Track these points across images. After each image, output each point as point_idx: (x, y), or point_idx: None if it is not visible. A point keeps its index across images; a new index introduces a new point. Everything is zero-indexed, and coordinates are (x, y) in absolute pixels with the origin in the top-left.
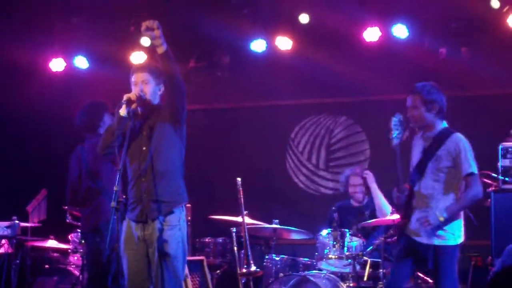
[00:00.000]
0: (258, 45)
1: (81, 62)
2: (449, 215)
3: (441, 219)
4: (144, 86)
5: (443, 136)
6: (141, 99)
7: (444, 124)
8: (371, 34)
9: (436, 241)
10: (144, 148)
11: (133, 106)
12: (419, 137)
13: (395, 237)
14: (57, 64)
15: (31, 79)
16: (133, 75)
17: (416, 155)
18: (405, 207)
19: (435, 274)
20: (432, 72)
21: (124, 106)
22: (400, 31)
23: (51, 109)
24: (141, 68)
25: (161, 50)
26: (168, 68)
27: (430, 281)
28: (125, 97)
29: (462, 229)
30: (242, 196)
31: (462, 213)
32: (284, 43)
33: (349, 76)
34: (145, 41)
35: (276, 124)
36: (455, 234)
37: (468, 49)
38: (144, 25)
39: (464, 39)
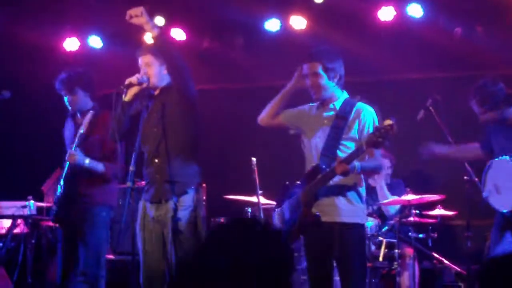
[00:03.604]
0: (272, 25)
1: (95, 42)
2: (361, 169)
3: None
4: (148, 69)
5: (348, 106)
6: (142, 83)
7: (345, 94)
8: (386, 13)
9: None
10: (155, 130)
11: (134, 90)
12: (315, 107)
13: (410, 217)
14: (71, 44)
15: (45, 59)
16: (138, 58)
17: (318, 130)
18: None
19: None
20: (447, 52)
21: (126, 91)
22: (415, 10)
23: None
24: (144, 50)
25: (153, 34)
26: (163, 52)
27: (446, 261)
28: (126, 81)
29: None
30: (257, 176)
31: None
32: (299, 22)
33: (364, 56)
34: (159, 20)
35: (290, 103)
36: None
37: (483, 28)
38: (128, 14)
39: (480, 18)
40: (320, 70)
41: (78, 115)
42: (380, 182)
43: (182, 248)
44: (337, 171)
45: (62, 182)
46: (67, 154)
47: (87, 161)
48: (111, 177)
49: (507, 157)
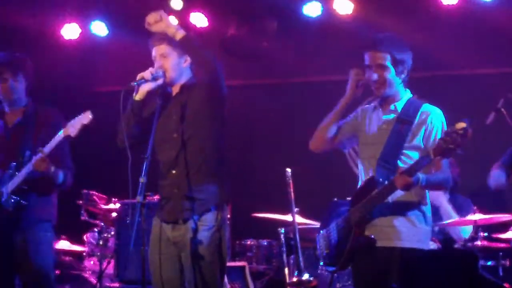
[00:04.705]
0: (312, 9)
1: (99, 28)
2: (426, 183)
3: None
4: (164, 61)
5: (412, 108)
6: (157, 78)
7: (408, 92)
8: None
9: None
10: (175, 135)
11: (147, 87)
12: (370, 108)
13: (477, 241)
14: (70, 31)
15: (40, 49)
16: (152, 49)
17: (374, 135)
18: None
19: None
20: None
21: (138, 89)
22: None
23: (64, 83)
24: (158, 39)
25: (178, 37)
26: (191, 54)
27: None
28: (138, 77)
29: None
30: (292, 189)
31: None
32: (344, 6)
33: (421, 46)
34: (177, 3)
35: (333, 103)
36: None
37: None
38: (147, 22)
39: None
40: (387, 61)
41: (6, 108)
42: (442, 199)
43: (202, 275)
44: (397, 185)
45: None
46: (37, 160)
47: (52, 168)
48: (68, 185)
49: None
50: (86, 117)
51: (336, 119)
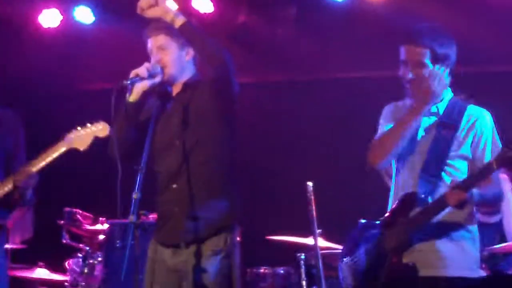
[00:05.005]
0: None
1: (84, 15)
2: (479, 199)
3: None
4: (162, 55)
5: (456, 110)
6: (155, 75)
7: (450, 91)
8: None
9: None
10: (176, 142)
11: (143, 86)
12: (405, 108)
13: None
14: (50, 18)
15: (14, 39)
16: (148, 40)
17: (413, 142)
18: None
19: None
20: None
21: (132, 88)
22: None
23: (43, 80)
24: (155, 29)
25: (177, 24)
26: (195, 44)
27: None
28: (131, 74)
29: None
30: (314, 207)
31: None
32: None
33: (471, 38)
34: None
35: (363, 104)
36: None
37: None
38: (139, 7)
39: None
40: (427, 58)
41: None
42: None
43: None
44: (450, 202)
45: None
46: (21, 175)
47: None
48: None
49: None
50: (101, 130)
51: (406, 132)
